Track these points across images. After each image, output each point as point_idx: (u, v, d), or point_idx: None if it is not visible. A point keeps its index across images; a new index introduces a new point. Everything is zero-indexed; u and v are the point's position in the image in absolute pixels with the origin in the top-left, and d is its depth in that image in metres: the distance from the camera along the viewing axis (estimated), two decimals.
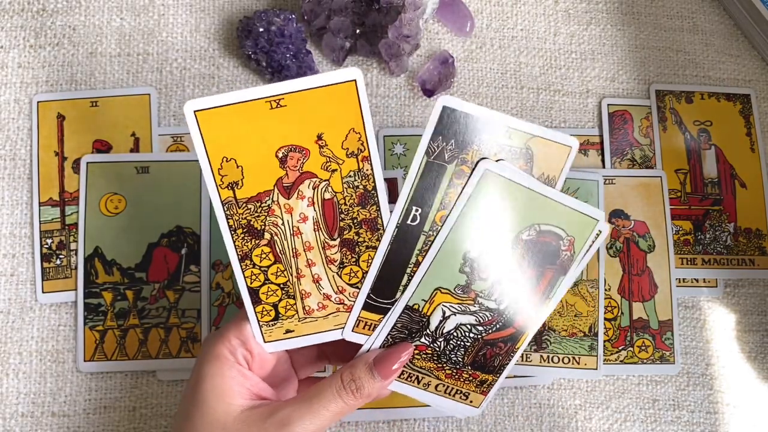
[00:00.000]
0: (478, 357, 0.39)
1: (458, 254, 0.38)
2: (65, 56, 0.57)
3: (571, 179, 0.56)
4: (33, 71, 0.57)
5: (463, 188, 0.37)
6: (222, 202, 0.36)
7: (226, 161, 0.35)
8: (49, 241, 0.54)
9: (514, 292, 0.38)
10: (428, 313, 0.38)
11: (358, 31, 0.57)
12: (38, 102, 0.56)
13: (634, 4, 0.62)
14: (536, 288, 0.39)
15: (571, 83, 0.60)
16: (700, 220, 0.58)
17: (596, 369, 0.54)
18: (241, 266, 0.37)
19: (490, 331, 0.39)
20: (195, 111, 0.34)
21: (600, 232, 0.39)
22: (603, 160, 0.58)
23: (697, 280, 0.57)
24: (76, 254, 0.53)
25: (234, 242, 0.36)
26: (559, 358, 0.54)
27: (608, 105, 0.59)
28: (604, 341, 0.55)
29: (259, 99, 0.34)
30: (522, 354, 0.53)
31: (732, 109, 0.60)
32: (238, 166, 0.35)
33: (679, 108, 0.60)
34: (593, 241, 0.39)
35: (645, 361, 0.55)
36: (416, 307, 0.38)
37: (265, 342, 0.38)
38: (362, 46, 0.57)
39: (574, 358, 0.54)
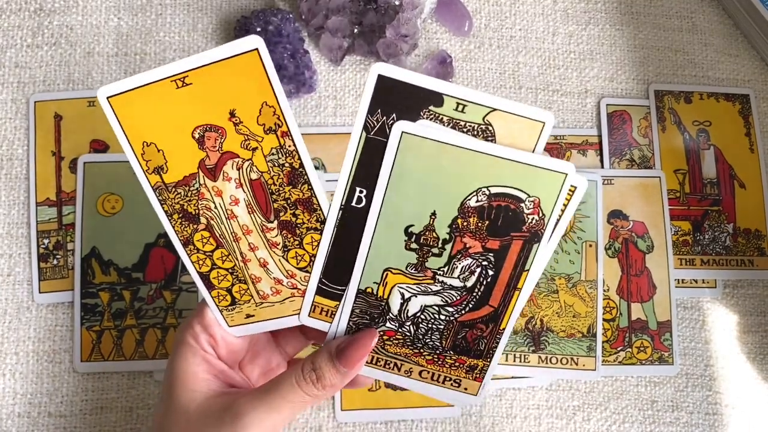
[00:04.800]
0: (458, 340, 0.36)
1: (398, 230, 0.34)
2: (62, 56, 0.57)
3: None
4: (30, 71, 0.56)
5: (382, 157, 0.33)
6: (152, 187, 0.35)
7: (147, 146, 0.34)
8: (46, 241, 0.53)
9: (479, 267, 0.35)
10: (385, 296, 0.36)
11: (356, 30, 0.57)
12: (35, 102, 0.56)
13: (633, 4, 0.62)
14: (506, 260, 0.35)
15: (569, 83, 0.60)
16: (699, 220, 0.58)
17: (595, 370, 0.54)
18: (186, 251, 0.36)
19: (462, 312, 0.36)
20: (108, 97, 0.33)
21: (574, 188, 0.34)
22: (602, 160, 0.58)
23: (696, 281, 0.57)
24: (73, 254, 0.53)
25: (173, 228, 0.36)
26: (557, 359, 0.54)
27: (607, 105, 0.59)
28: (603, 342, 0.54)
29: (163, 79, 0.33)
30: (520, 354, 0.53)
31: (731, 109, 0.60)
32: (159, 150, 0.34)
33: (678, 108, 0.60)
34: (567, 199, 0.34)
35: (644, 362, 0.55)
36: (369, 290, 0.36)
37: (229, 326, 0.38)
38: (360, 46, 0.57)
39: (572, 359, 0.54)
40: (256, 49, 0.32)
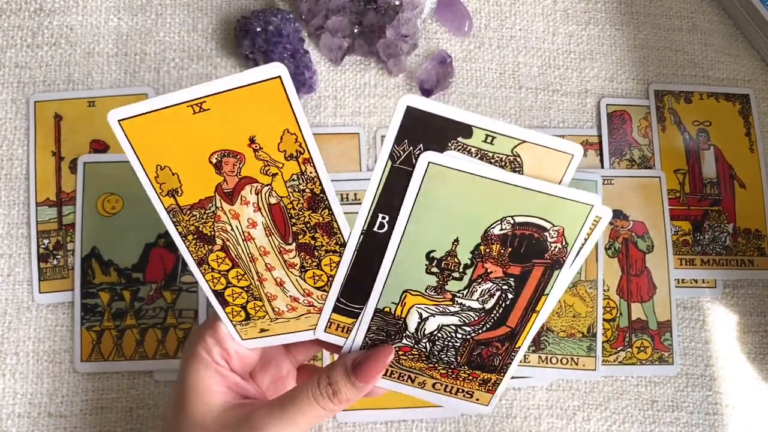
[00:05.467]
0: (473, 357, 0.37)
1: (419, 255, 0.35)
2: (62, 56, 0.57)
3: None
4: (30, 71, 0.56)
5: (408, 186, 0.33)
6: (166, 209, 0.34)
7: (161, 169, 0.33)
8: (46, 241, 0.53)
9: (499, 291, 0.35)
10: (403, 316, 0.36)
11: (356, 30, 0.57)
12: (35, 102, 0.56)
13: (633, 4, 0.62)
14: (526, 285, 0.35)
15: (569, 83, 0.60)
16: (699, 220, 0.58)
17: (595, 370, 0.54)
18: (200, 270, 0.36)
19: (479, 332, 0.36)
20: (119, 120, 0.32)
21: (599, 218, 0.34)
22: (602, 160, 0.58)
23: (696, 281, 0.57)
24: (73, 254, 0.53)
25: (188, 248, 0.35)
26: (557, 359, 0.54)
27: (607, 105, 0.59)
28: (603, 342, 0.54)
29: (179, 104, 0.32)
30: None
31: (731, 109, 0.60)
32: (173, 174, 0.34)
33: (678, 108, 0.60)
34: (591, 229, 0.34)
35: (644, 362, 0.55)
36: (387, 310, 0.36)
37: (242, 339, 0.38)
38: (360, 46, 0.57)
39: (572, 358, 0.54)
40: (279, 76, 0.31)
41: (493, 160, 0.33)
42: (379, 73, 0.59)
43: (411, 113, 0.32)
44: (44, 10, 0.58)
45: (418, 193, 0.33)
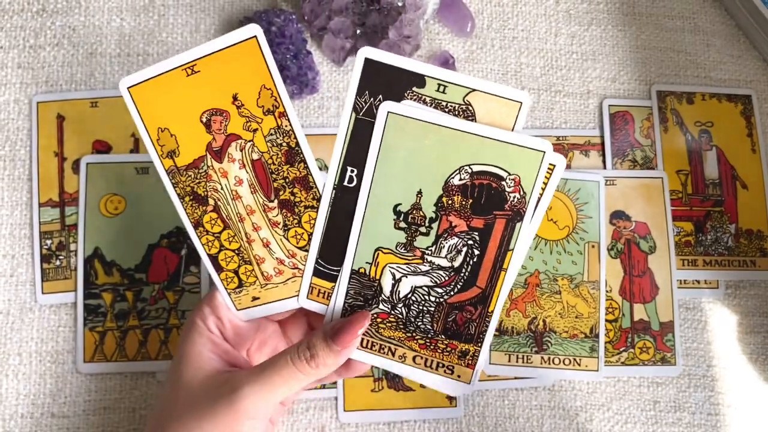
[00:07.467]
0: (448, 324, 0.38)
1: (387, 209, 0.37)
2: (65, 56, 0.57)
3: (572, 180, 0.56)
4: (33, 71, 0.56)
5: (371, 137, 0.36)
6: (166, 171, 0.38)
7: (161, 131, 0.37)
8: (48, 242, 0.53)
9: (465, 247, 0.37)
10: (377, 277, 0.38)
11: (358, 31, 0.57)
12: (38, 102, 0.56)
13: (636, 5, 0.62)
14: (491, 239, 0.37)
15: (572, 84, 0.60)
16: (702, 221, 0.58)
17: (597, 370, 0.54)
18: (196, 233, 0.39)
19: (451, 293, 0.38)
20: (128, 87, 0.36)
21: (553, 165, 0.35)
22: (604, 161, 0.58)
23: (698, 282, 0.57)
24: (75, 255, 0.53)
25: (185, 210, 0.39)
26: (560, 360, 0.54)
27: (609, 106, 0.59)
28: (605, 343, 0.54)
29: (176, 68, 0.36)
30: (523, 355, 0.53)
31: (733, 109, 0.60)
32: (172, 135, 0.37)
33: (680, 109, 0.60)
34: (547, 177, 0.36)
35: (646, 362, 0.55)
36: (362, 271, 0.38)
37: (237, 310, 0.40)
38: (363, 47, 0.57)
39: (575, 359, 0.54)
40: (255, 36, 0.36)
41: (446, 109, 0.35)
42: None
43: (370, 65, 0.35)
44: (47, 10, 0.58)
45: (380, 144, 0.36)
